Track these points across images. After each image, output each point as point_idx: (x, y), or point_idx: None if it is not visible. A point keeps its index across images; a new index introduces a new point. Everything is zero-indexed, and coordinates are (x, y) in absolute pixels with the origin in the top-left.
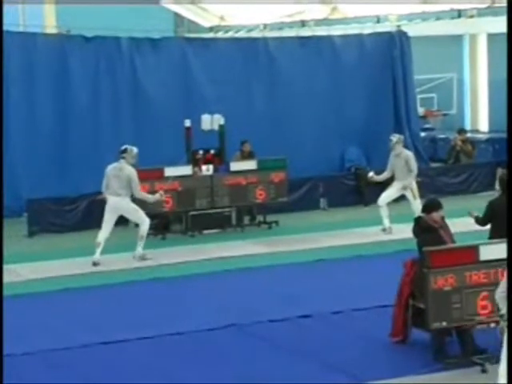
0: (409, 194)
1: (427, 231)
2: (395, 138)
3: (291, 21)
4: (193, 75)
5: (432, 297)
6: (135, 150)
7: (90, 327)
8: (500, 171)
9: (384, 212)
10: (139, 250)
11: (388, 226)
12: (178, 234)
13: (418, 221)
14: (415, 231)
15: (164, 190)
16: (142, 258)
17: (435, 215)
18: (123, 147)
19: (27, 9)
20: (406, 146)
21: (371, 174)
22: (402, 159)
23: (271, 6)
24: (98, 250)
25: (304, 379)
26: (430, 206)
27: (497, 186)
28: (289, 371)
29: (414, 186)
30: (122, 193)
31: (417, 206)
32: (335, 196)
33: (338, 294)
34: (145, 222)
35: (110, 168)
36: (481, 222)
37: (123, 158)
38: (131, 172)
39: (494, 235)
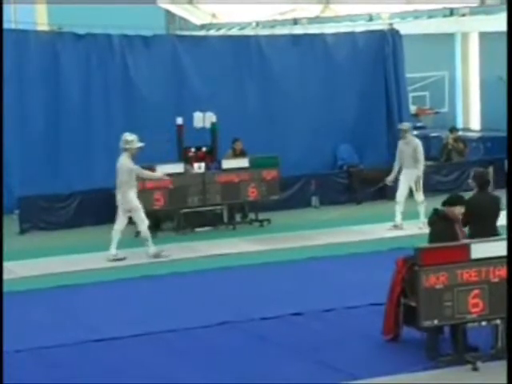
0: (413, 186)
1: (444, 220)
2: (405, 126)
3: (283, 19)
4: (185, 73)
5: (423, 295)
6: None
7: (82, 325)
8: (477, 170)
9: (399, 208)
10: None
11: (400, 223)
12: (170, 231)
13: (436, 211)
14: (431, 220)
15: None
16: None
17: (458, 209)
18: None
19: (19, 6)
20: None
21: (389, 179)
22: (411, 147)
23: (263, 3)
24: None
25: (296, 376)
26: (454, 201)
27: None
28: (281, 369)
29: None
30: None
31: (419, 198)
32: (327, 194)
33: (330, 291)
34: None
35: None
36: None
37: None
38: None
39: (474, 234)
